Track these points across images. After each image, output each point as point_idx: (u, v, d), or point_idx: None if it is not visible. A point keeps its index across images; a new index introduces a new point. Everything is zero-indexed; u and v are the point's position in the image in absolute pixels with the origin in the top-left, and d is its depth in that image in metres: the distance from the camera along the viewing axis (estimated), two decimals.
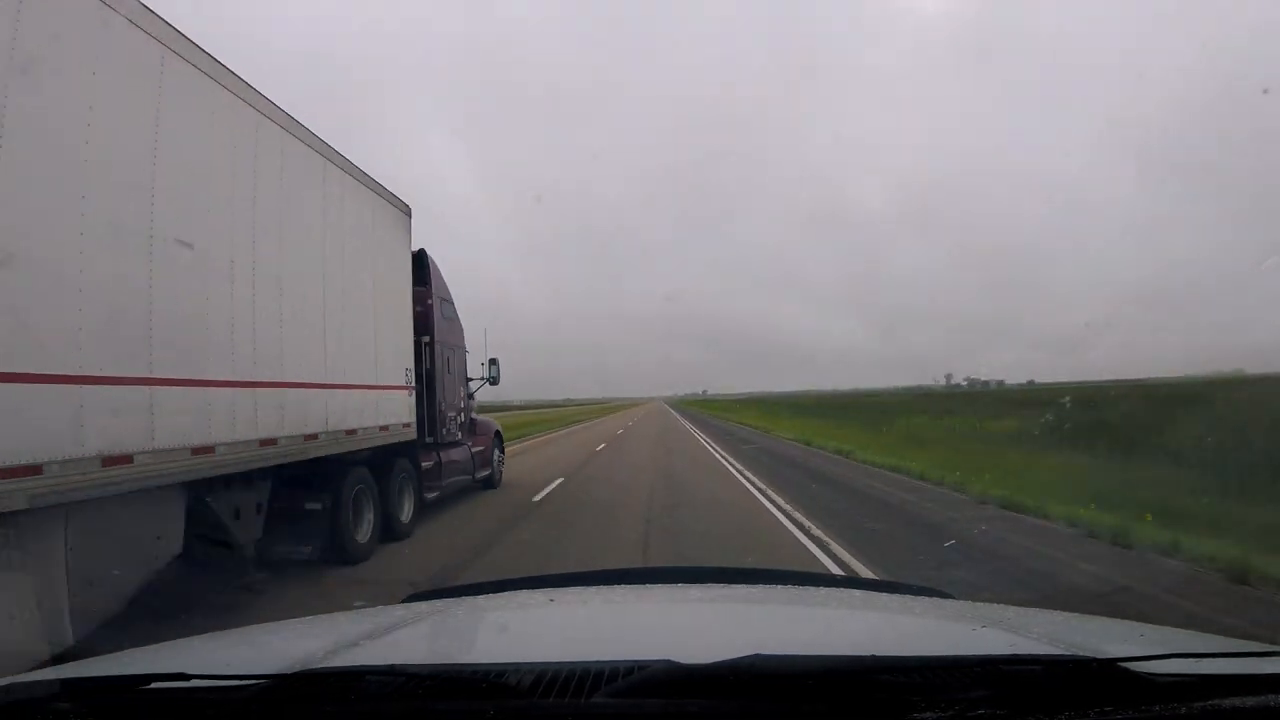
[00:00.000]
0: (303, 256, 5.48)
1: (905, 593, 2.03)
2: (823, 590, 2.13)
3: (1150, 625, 1.71)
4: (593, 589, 2.08)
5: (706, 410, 66.69)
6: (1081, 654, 1.24)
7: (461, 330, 9.81)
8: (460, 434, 9.58)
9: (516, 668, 1.11)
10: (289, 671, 1.18)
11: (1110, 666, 1.08)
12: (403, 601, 2.01)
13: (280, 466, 5.07)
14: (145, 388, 3.78)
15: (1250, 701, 1.02)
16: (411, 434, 7.49)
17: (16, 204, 3.08)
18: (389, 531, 6.85)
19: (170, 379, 3.96)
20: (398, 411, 7.16)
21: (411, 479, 7.55)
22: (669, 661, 1.07)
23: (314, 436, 5.50)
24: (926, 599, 1.91)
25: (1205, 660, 1.16)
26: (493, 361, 10.96)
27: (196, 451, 4.13)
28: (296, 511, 5.47)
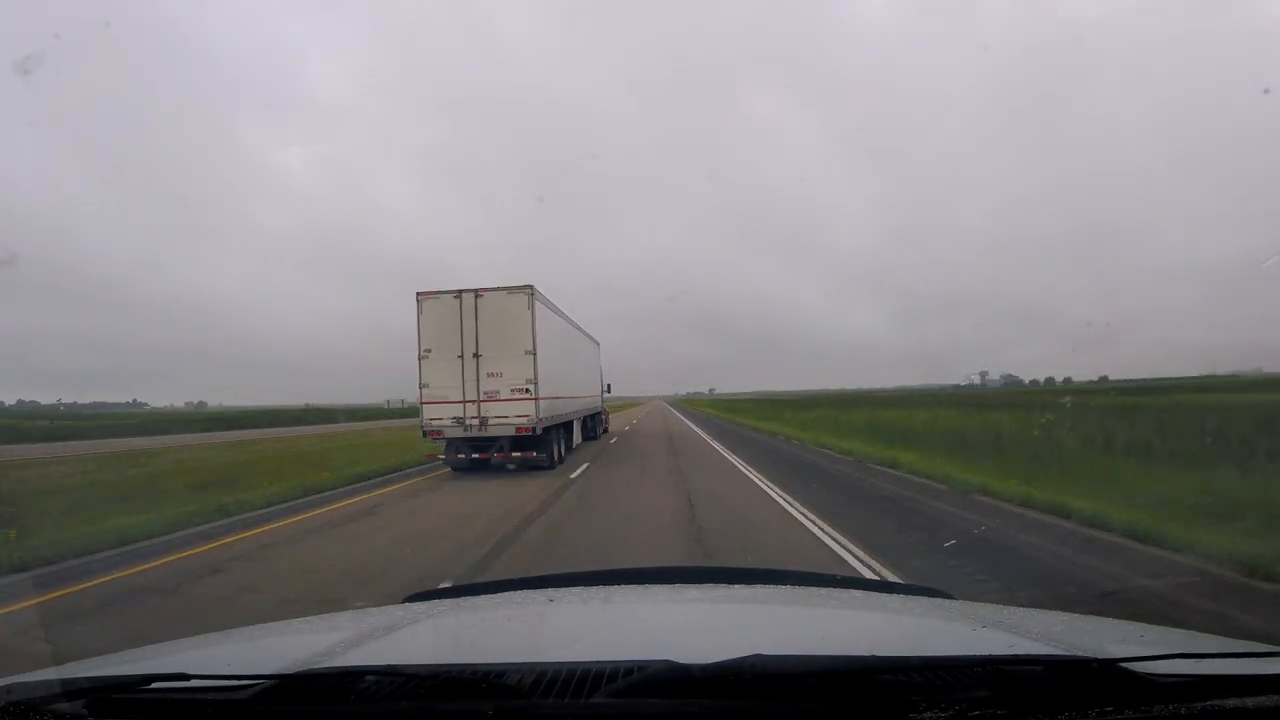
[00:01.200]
0: (573, 359, 18.23)
1: (905, 593, 2.03)
2: (823, 590, 2.13)
3: (1151, 625, 1.70)
4: (593, 589, 2.08)
5: (709, 410, 65.99)
6: (1082, 654, 1.24)
7: (602, 369, 24.69)
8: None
9: (516, 668, 1.11)
10: (289, 671, 1.19)
11: (1111, 667, 1.08)
12: (403, 601, 2.01)
13: (586, 415, 20.77)
14: (583, 399, 20.11)
15: (1251, 702, 1.02)
16: (600, 408, 24.38)
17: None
18: (598, 436, 23.79)
19: (554, 394, 14.88)
20: (599, 401, 24.01)
21: (600, 421, 24.19)
22: (669, 662, 1.07)
23: (591, 408, 21.90)
24: (927, 599, 1.91)
25: (1206, 660, 1.16)
26: (609, 384, 26.73)
27: (577, 411, 18.55)
28: (589, 424, 21.73)
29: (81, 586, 6.20)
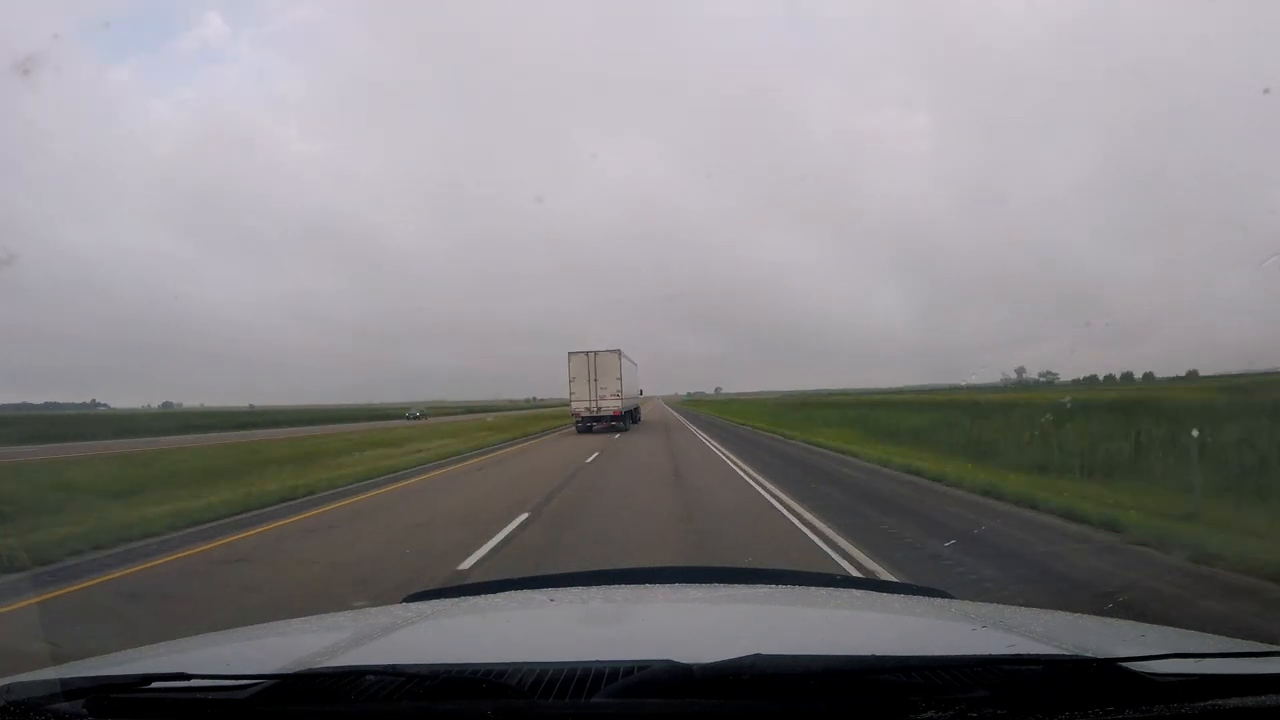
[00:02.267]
0: (631, 379, 32.12)
1: (906, 593, 2.03)
2: (823, 590, 2.13)
3: (1151, 625, 1.71)
4: (593, 589, 2.09)
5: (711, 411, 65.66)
6: (1082, 654, 1.24)
7: (638, 375, 36.19)
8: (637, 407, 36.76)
9: (516, 668, 1.11)
10: (289, 671, 1.19)
11: (1110, 666, 1.08)
12: (403, 601, 2.02)
13: (634, 408, 33.36)
14: (633, 399, 33.95)
15: (1251, 701, 1.03)
16: (638, 404, 37.40)
17: (633, 386, 33.82)
18: (637, 420, 34.40)
19: (627, 396, 30.11)
20: (638, 400, 37.87)
21: (638, 411, 36.40)
22: (669, 661, 1.07)
23: (633, 405, 33.09)
24: (927, 599, 1.92)
25: (1206, 660, 1.16)
26: (641, 389, 39.37)
27: (631, 404, 32.62)
28: (634, 413, 33.17)
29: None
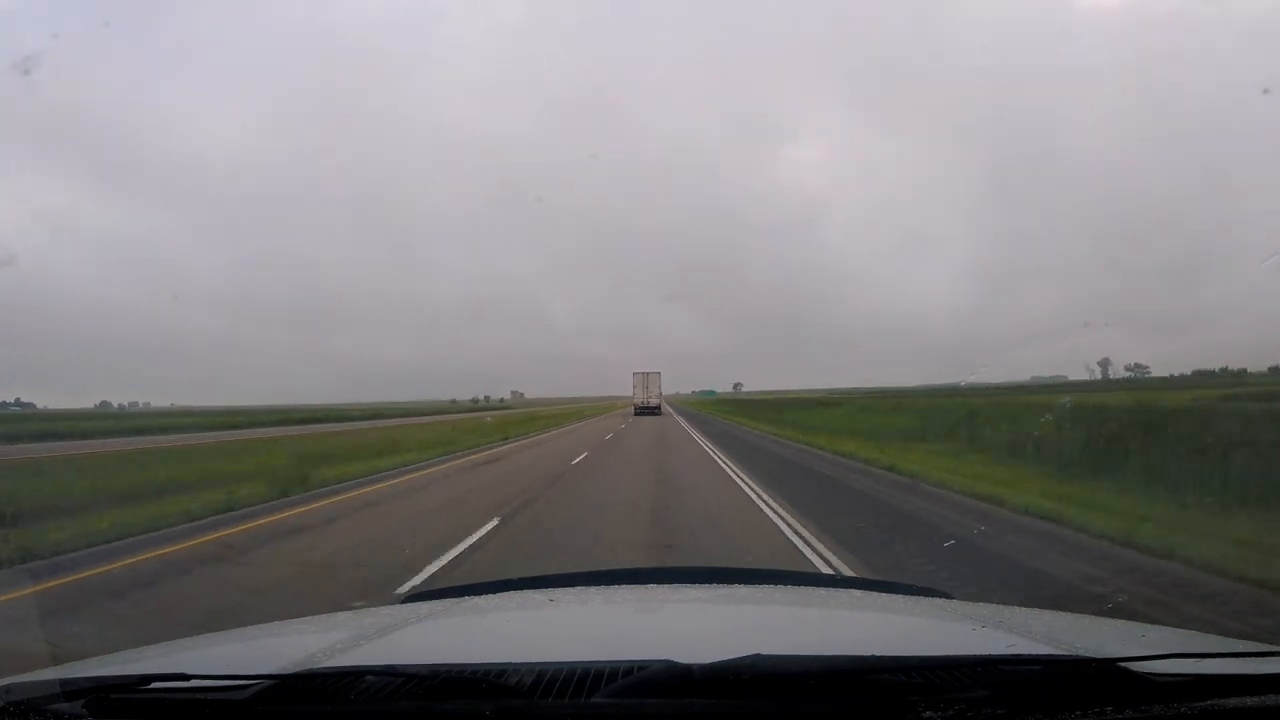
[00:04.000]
0: (654, 385, 53.21)
1: (905, 593, 2.03)
2: (823, 590, 2.14)
3: (1150, 625, 1.71)
4: (593, 589, 2.09)
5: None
6: (1081, 654, 1.24)
7: (660, 380, 54.93)
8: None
9: (516, 668, 1.11)
10: (289, 672, 1.19)
11: (1110, 666, 1.09)
12: (403, 602, 2.02)
13: (655, 405, 52.92)
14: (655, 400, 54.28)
15: (1250, 701, 1.03)
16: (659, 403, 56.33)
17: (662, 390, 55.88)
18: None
19: (656, 396, 54.69)
20: (660, 400, 54.79)
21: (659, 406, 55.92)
22: (669, 661, 1.07)
23: (658, 402, 54.21)
24: (926, 599, 1.92)
25: (1205, 660, 1.17)
26: (661, 392, 55.45)
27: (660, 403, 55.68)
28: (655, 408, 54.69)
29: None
